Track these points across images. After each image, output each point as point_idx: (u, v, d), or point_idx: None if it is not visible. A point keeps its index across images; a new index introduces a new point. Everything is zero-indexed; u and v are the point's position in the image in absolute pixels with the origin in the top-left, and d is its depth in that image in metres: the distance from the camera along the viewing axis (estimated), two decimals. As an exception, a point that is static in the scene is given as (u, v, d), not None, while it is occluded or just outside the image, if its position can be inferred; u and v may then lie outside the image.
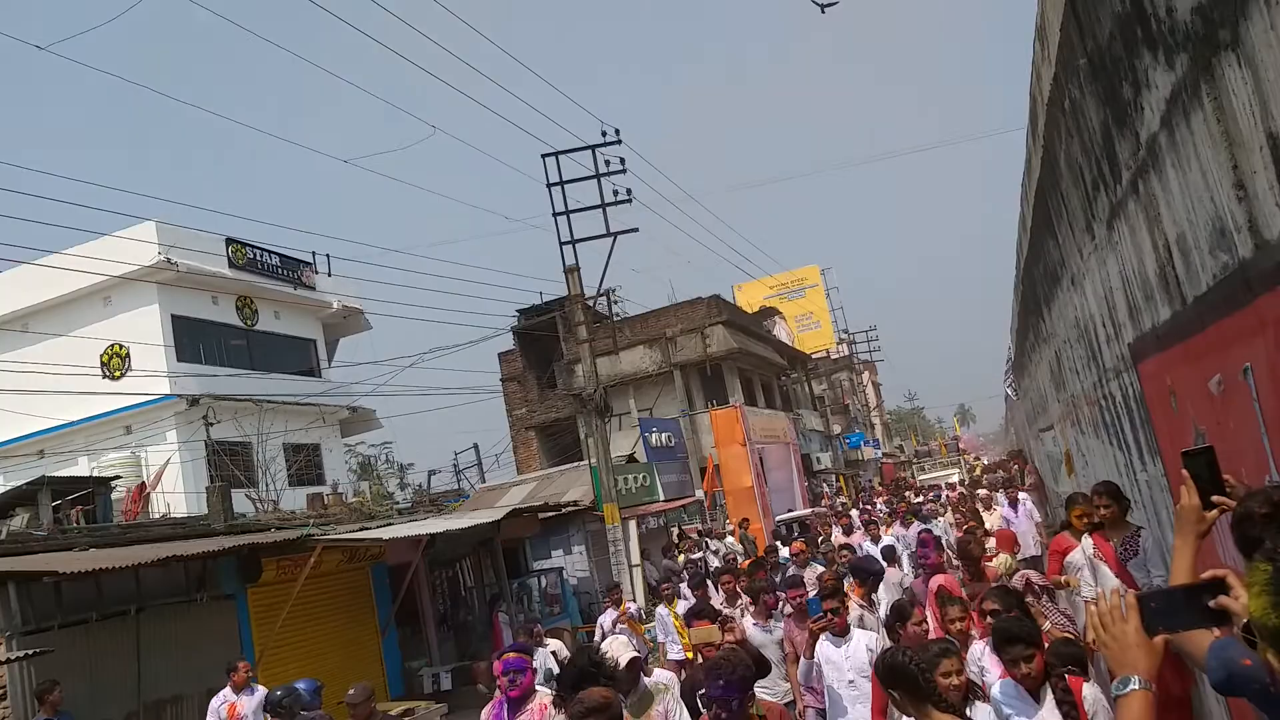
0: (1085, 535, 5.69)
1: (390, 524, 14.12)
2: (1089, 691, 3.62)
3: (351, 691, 6.24)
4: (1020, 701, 3.64)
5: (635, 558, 18.15)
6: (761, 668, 5.24)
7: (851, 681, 5.41)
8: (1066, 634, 5.43)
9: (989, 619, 4.58)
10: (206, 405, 21.60)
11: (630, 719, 4.32)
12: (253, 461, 22.07)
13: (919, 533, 11.43)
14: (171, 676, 10.50)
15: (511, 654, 5.21)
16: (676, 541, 20.67)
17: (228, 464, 20.58)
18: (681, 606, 9.82)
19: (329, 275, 27.95)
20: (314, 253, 29.21)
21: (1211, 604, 1.71)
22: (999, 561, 7.48)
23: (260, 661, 11.36)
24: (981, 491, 20.27)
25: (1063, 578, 6.25)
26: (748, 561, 13.26)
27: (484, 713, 5.17)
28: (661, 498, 21.28)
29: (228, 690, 8.97)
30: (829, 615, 5.60)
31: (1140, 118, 3.36)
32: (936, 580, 6.46)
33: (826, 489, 34.18)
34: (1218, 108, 2.53)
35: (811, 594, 7.22)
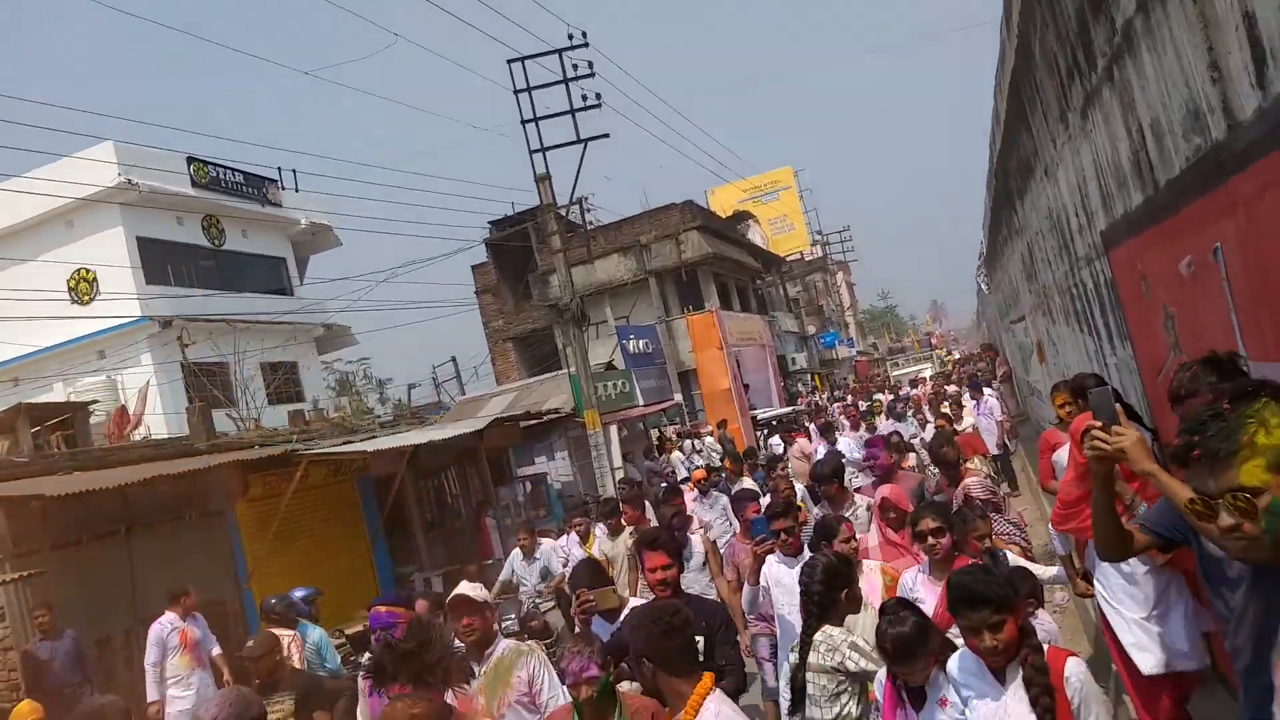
0: None
1: (374, 437, 14.25)
2: (1074, 670, 2.80)
3: (250, 644, 5.57)
4: (980, 680, 2.87)
5: (617, 461, 18.49)
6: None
7: None
8: (1014, 544, 5.24)
9: (929, 540, 4.17)
10: (180, 327, 21.38)
11: (483, 697, 3.97)
12: (230, 381, 22.03)
13: (869, 434, 10.91)
14: (166, 592, 10.69)
15: (382, 607, 4.59)
16: (658, 443, 21.05)
17: (205, 384, 20.52)
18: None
19: (295, 191, 27.40)
20: (279, 169, 28.58)
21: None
22: (975, 463, 7.07)
23: (253, 574, 11.60)
24: (950, 389, 19.72)
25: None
26: (727, 460, 13.09)
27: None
28: (640, 403, 21.54)
29: (173, 617, 8.50)
30: (782, 536, 5.07)
31: (1116, 3, 3.36)
32: (882, 491, 5.83)
33: (802, 389, 34.69)
34: (1195, -12, 2.54)
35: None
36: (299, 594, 7.91)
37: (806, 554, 4.97)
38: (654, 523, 8.14)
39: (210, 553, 11.35)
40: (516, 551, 9.24)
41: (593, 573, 4.62)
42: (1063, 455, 5.29)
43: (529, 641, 4.48)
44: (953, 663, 3.00)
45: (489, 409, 20.88)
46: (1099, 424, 2.27)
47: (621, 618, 4.15)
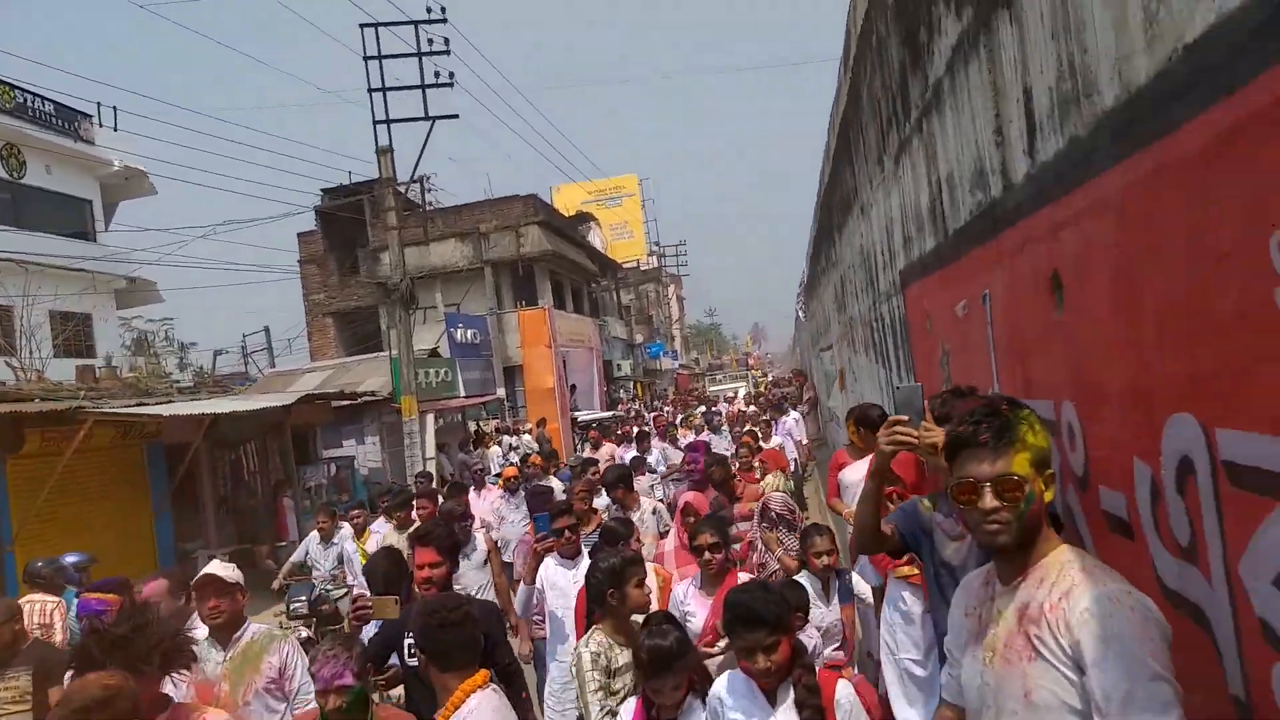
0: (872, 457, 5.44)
1: (170, 402, 13.40)
2: (844, 693, 2.81)
3: None
4: (749, 702, 2.80)
5: (430, 451, 18.16)
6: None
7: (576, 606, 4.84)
8: (797, 561, 5.21)
9: (705, 555, 4.14)
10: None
11: (226, 684, 3.86)
12: (13, 327, 20.07)
13: (689, 442, 10.71)
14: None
15: (92, 595, 4.29)
16: (474, 436, 20.84)
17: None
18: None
19: (115, 130, 25.32)
20: (99, 104, 26.28)
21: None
22: (769, 481, 7.05)
23: (18, 536, 10.67)
24: (751, 409, 19.80)
25: (845, 507, 5.63)
26: (536, 457, 12.73)
27: None
28: (462, 393, 21.27)
29: None
30: (565, 534, 4.95)
31: (931, 61, 3.69)
32: (685, 496, 6.07)
33: (624, 395, 35.23)
34: (991, 59, 2.85)
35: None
36: (70, 559, 7.37)
37: (584, 558, 4.99)
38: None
39: (-33, 509, 10.36)
40: (314, 534, 8.90)
41: (390, 563, 4.46)
42: (847, 474, 5.54)
43: (286, 627, 4.37)
44: (720, 685, 2.90)
45: (300, 384, 20.03)
46: (904, 418, 2.51)
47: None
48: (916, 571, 3.90)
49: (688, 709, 3.02)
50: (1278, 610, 1.48)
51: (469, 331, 23.84)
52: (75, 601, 7.07)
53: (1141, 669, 1.63)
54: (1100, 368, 2.17)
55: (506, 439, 19.52)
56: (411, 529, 7.25)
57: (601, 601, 3.60)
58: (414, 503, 7.82)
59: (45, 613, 6.63)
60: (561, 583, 4.95)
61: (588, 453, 14.52)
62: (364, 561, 7.56)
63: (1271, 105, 1.34)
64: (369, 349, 26.42)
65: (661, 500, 8.91)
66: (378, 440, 18.61)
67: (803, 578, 4.44)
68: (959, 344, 3.70)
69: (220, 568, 4.07)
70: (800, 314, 28.15)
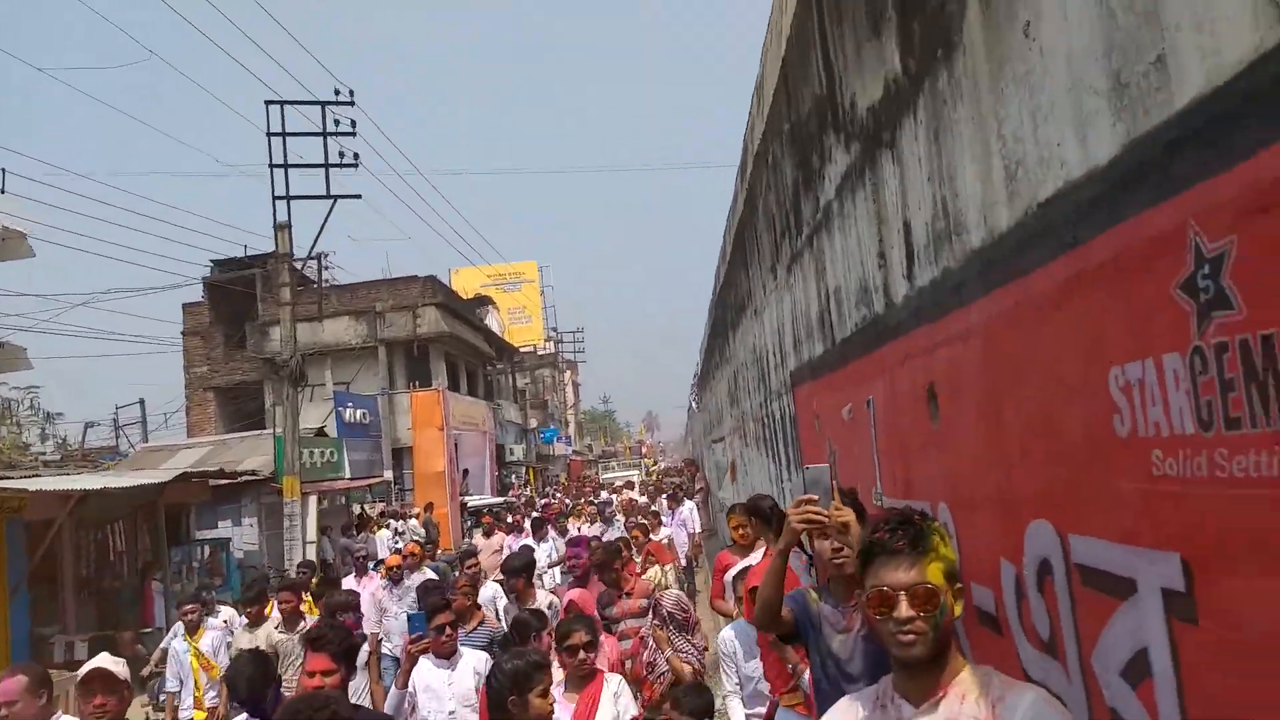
0: (757, 553, 5.16)
1: (36, 475, 12.65)
2: None
3: None
4: None
5: (311, 534, 17.54)
6: None
7: (452, 713, 4.65)
8: (686, 664, 5.32)
9: (580, 654, 4.05)
10: None
11: None
12: None
13: (572, 536, 10.57)
14: None
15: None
16: (358, 520, 20.24)
17: None
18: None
19: (1, 192, 24.22)
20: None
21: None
22: (650, 574, 6.92)
23: None
24: (642, 499, 19.67)
25: (731, 606, 5.59)
26: (414, 545, 12.01)
27: None
28: (348, 475, 20.72)
29: None
30: (447, 632, 4.78)
31: (822, 185, 4.02)
32: (570, 594, 5.97)
33: (516, 480, 34.84)
34: (875, 190, 3.15)
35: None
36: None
37: (461, 655, 4.82)
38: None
39: None
40: (178, 625, 8.31)
41: (255, 666, 4.15)
42: (733, 574, 5.40)
43: None
44: None
45: (176, 461, 19.16)
46: (813, 497, 2.59)
47: None
48: (801, 700, 3.89)
49: None
50: (1124, 699, 1.67)
51: (359, 411, 23.36)
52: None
53: None
54: (971, 475, 2.40)
55: (394, 523, 19.02)
56: (267, 625, 6.92)
57: (502, 708, 3.37)
58: (271, 598, 7.31)
59: None
60: (435, 684, 4.69)
61: (478, 539, 14.23)
62: (196, 665, 7.30)
63: (1107, 262, 1.59)
64: (251, 425, 25.54)
65: (552, 591, 8.84)
66: (255, 522, 17.87)
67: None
68: (845, 445, 3.94)
69: (109, 661, 3.84)
70: (694, 405, 28.65)
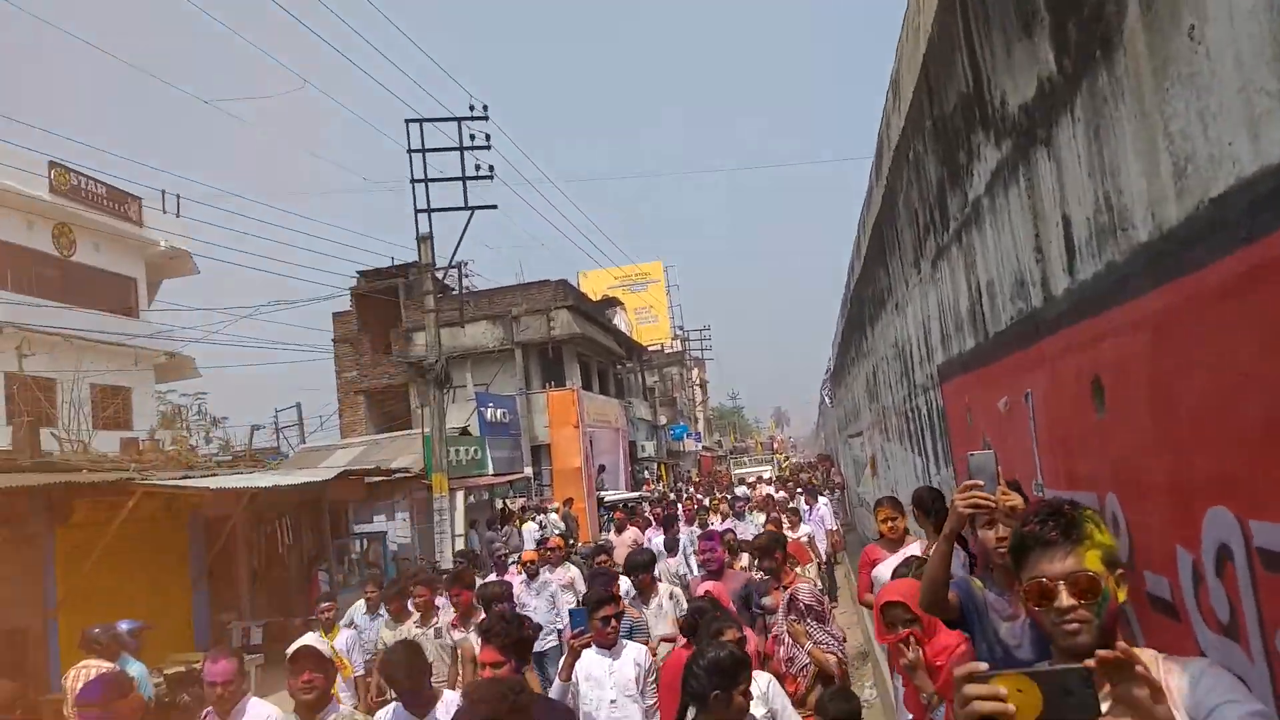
0: (908, 548, 5.11)
1: (214, 475, 13.74)
2: None
3: None
4: None
5: (459, 528, 18.35)
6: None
7: (614, 701, 4.75)
8: (829, 655, 5.27)
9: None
10: (20, 335, 20.06)
11: None
12: (56, 399, 20.66)
13: (704, 531, 10.76)
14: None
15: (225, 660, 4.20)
16: (501, 515, 21.00)
17: (36, 398, 19.21)
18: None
19: (176, 215, 26.34)
20: (163, 192, 27.30)
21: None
22: (800, 571, 6.85)
23: (63, 602, 10.93)
24: (780, 494, 19.55)
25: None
26: (558, 539, 12.23)
27: None
28: (491, 471, 21.54)
29: None
30: (611, 624, 4.88)
31: (970, 181, 4.05)
32: (704, 586, 5.90)
33: (648, 475, 35.31)
34: (1030, 186, 3.19)
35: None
36: (124, 626, 7.58)
37: (624, 645, 4.92)
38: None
39: (20, 575, 10.65)
40: (360, 604, 8.95)
41: (411, 655, 4.20)
42: (882, 570, 5.24)
43: (359, 714, 4.22)
44: None
45: (332, 460, 20.37)
46: (979, 482, 2.60)
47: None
48: None
49: None
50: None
51: (499, 411, 24.22)
52: (130, 666, 7.31)
53: (1244, 694, 1.76)
54: (1141, 465, 2.44)
55: (540, 516, 19.65)
56: (409, 623, 7.00)
57: (702, 701, 3.22)
58: (414, 589, 7.32)
59: (26, 700, 6.66)
60: (598, 673, 4.78)
61: (611, 534, 14.47)
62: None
63: (1282, 257, 1.65)
64: (397, 426, 26.83)
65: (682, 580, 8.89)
66: (408, 516, 18.83)
67: None
68: (1000, 438, 3.97)
69: (315, 640, 4.02)
70: (826, 400, 28.36)
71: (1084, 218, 2.69)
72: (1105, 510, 2.75)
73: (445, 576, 8.55)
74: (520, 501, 22.87)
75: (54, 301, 23.52)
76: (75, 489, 11.09)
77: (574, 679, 4.75)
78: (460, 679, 6.41)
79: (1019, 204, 3.35)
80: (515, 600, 8.54)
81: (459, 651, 6.57)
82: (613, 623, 4.89)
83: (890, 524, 5.53)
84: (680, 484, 35.76)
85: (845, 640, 5.87)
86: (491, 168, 19.49)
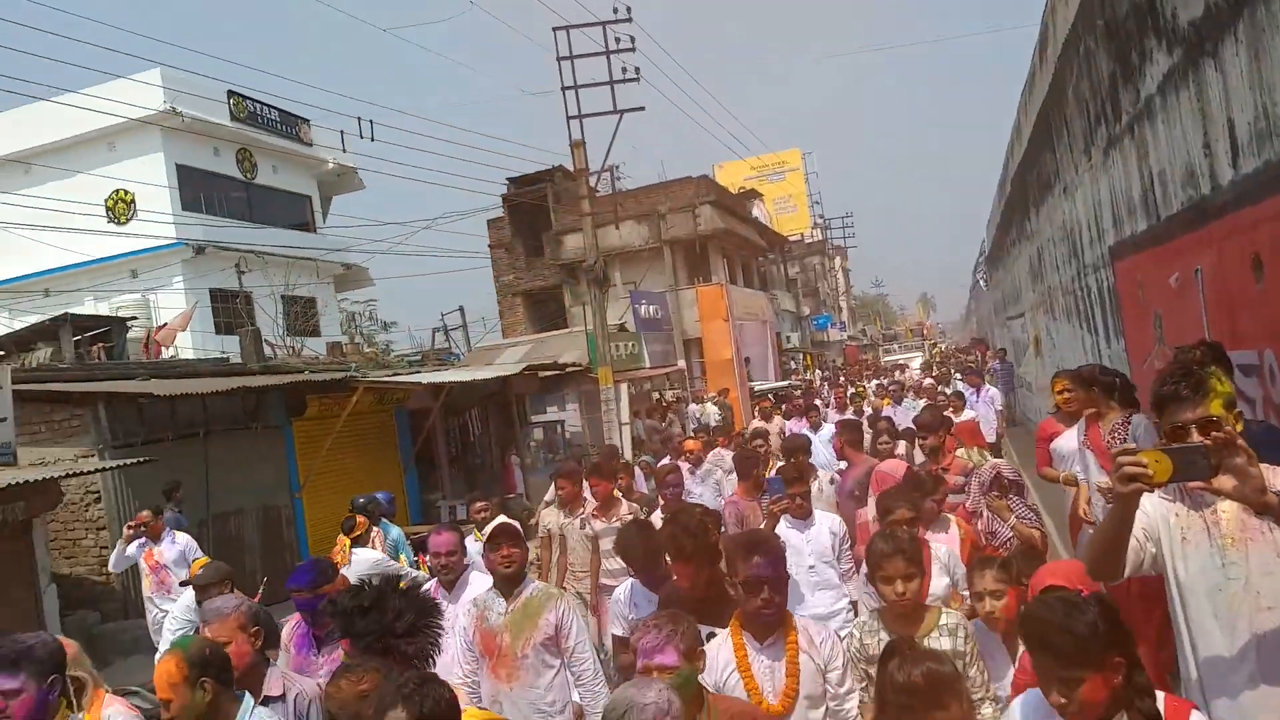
0: (1082, 420, 4.86)
1: (417, 372, 15.35)
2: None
3: (200, 571, 5.33)
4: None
5: (625, 417, 19.69)
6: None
7: (812, 567, 4.96)
8: (1033, 530, 5.18)
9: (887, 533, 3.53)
10: (230, 255, 22.35)
11: (508, 635, 3.91)
12: (253, 310, 22.96)
13: (840, 420, 10.02)
14: (234, 492, 11.83)
15: (303, 592, 4.05)
16: (659, 406, 22.25)
17: (237, 310, 21.52)
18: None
19: (363, 135, 27.76)
20: (344, 122, 29.10)
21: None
22: (963, 453, 6.51)
23: (305, 485, 12.75)
24: (927, 381, 18.66)
25: (1060, 474, 5.43)
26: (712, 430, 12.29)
27: None
28: (648, 365, 22.70)
29: (140, 543, 8.13)
30: (799, 501, 5.10)
31: (1142, 81, 4.51)
32: (883, 466, 5.89)
33: (795, 366, 35.97)
34: (1199, 92, 3.70)
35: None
36: (381, 496, 9.04)
37: (816, 518, 5.13)
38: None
39: (269, 462, 12.50)
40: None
41: (648, 534, 4.31)
42: (1060, 444, 5.28)
43: (556, 588, 4.34)
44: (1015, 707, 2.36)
45: (504, 358, 21.97)
46: (1132, 447, 2.47)
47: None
48: None
49: None
50: None
51: (651, 307, 25.24)
52: (390, 530, 8.78)
53: None
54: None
55: (694, 406, 20.73)
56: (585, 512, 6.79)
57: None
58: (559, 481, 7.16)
59: (343, 548, 7.54)
60: (795, 542, 4.96)
61: (756, 423, 14.95)
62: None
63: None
64: (553, 326, 28.29)
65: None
66: (577, 407, 20.29)
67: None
68: (1170, 310, 4.53)
69: (509, 519, 4.43)
70: (981, 283, 28.04)
71: (1245, 122, 3.23)
72: (1264, 364, 3.35)
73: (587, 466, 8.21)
74: (674, 393, 24.05)
75: (242, 220, 25.80)
76: (307, 385, 12.77)
77: None
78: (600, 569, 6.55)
79: (1189, 105, 3.85)
80: (683, 489, 8.59)
81: (598, 541, 6.63)
82: (800, 500, 5.14)
83: (1066, 396, 5.40)
84: (826, 372, 36.27)
85: (1040, 513, 5.64)
86: (637, 69, 19.88)
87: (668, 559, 3.83)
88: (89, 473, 9.23)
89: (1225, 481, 2.12)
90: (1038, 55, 7.99)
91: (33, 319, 20.26)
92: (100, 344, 17.27)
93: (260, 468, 12.34)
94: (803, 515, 5.10)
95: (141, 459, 9.54)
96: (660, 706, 2.24)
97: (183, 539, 8.22)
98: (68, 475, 8.97)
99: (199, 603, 5.08)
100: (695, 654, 2.70)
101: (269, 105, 27.19)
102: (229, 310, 23.75)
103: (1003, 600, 3.32)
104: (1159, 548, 2.41)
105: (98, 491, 10.46)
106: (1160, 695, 2.15)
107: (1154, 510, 2.42)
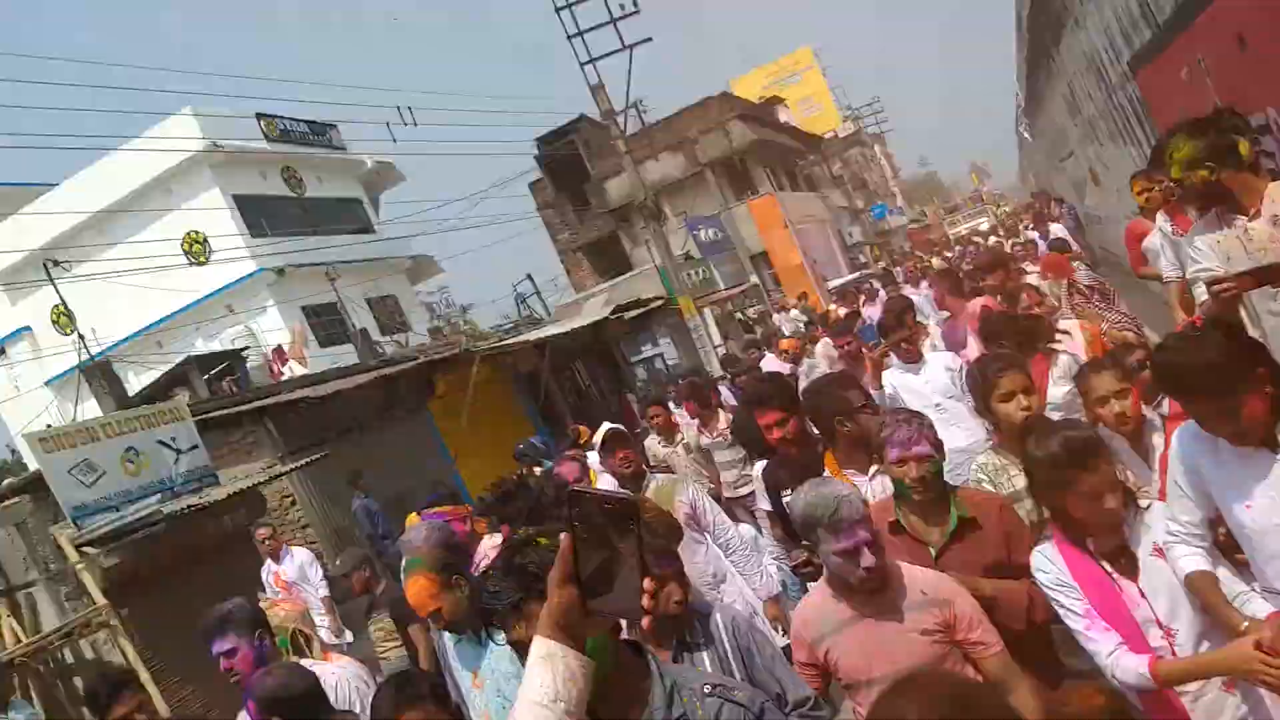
0: (1160, 214, 4.56)
1: (519, 336, 16.59)
2: None
3: (339, 561, 5.61)
4: (1239, 468, 2.18)
5: (717, 340, 20.66)
6: None
7: (938, 405, 4.75)
8: (1128, 331, 5.11)
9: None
10: (313, 272, 23.64)
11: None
12: (344, 318, 24.12)
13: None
14: (401, 473, 13.14)
15: (433, 509, 4.28)
16: (743, 323, 23.07)
17: (335, 321, 22.97)
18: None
19: (411, 123, 27.82)
20: (374, 118, 29.79)
21: None
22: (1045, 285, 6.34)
23: (456, 456, 14.09)
24: (992, 240, 19.68)
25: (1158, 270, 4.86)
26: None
27: None
28: (722, 286, 23.55)
29: (269, 562, 8.51)
30: (903, 347, 5.17)
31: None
32: (979, 301, 5.92)
33: (864, 259, 36.34)
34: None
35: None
36: (536, 440, 10.18)
37: (928, 358, 5.13)
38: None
39: (419, 441, 13.86)
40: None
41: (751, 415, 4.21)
42: (1152, 240, 4.99)
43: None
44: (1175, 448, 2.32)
45: (588, 309, 23.06)
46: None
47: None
48: None
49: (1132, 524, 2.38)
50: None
51: (709, 231, 25.90)
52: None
53: None
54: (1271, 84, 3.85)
55: (780, 314, 21.42)
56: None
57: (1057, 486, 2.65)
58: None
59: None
60: (914, 385, 5.00)
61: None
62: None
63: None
64: (619, 272, 28.93)
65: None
66: (670, 341, 21.29)
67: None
68: (1188, 98, 5.29)
69: (616, 426, 4.61)
70: (1025, 135, 28.04)
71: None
72: (1269, 119, 4.15)
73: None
74: (755, 310, 24.79)
75: (306, 235, 25.97)
76: (433, 365, 14.07)
77: (889, 389, 5.09)
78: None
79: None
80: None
81: (711, 454, 6.74)
82: (904, 345, 5.27)
83: (1146, 195, 5.10)
84: (894, 256, 36.53)
85: (1137, 319, 5.53)
86: (635, 2, 19.78)
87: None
88: (285, 472, 10.56)
89: None
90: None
91: (155, 370, 21.61)
92: (228, 377, 18.88)
93: (414, 448, 13.70)
94: (912, 359, 5.17)
95: (323, 454, 10.89)
96: (858, 495, 2.47)
97: (301, 554, 8.52)
98: (269, 479, 10.34)
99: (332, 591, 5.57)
100: (941, 446, 2.85)
101: (295, 119, 27.98)
102: (327, 324, 25.09)
103: (1128, 400, 3.04)
104: None
105: (291, 495, 11.86)
106: None
107: None
